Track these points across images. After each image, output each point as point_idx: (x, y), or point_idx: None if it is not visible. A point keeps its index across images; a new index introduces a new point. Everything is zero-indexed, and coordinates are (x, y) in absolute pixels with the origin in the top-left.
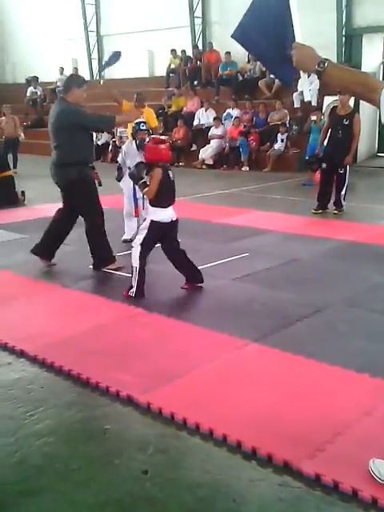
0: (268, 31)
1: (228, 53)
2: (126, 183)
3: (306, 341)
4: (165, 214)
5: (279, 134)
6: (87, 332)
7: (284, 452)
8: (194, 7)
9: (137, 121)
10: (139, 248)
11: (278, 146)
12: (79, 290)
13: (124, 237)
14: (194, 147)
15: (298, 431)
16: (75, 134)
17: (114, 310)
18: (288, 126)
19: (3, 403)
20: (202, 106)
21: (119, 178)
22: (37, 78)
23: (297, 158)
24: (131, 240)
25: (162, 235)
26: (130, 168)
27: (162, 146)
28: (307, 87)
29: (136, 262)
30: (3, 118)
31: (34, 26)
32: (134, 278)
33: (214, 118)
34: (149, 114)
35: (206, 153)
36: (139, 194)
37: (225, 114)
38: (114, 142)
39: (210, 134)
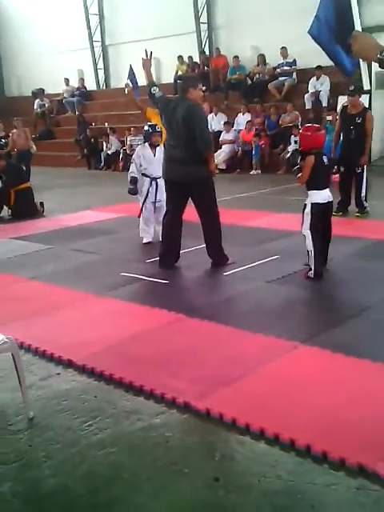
0: (332, 21)
1: (236, 57)
2: (144, 187)
3: (356, 341)
4: (321, 195)
5: (292, 136)
6: (131, 339)
7: (356, 455)
8: (200, 13)
9: (150, 124)
10: (310, 233)
11: (292, 147)
12: (114, 297)
13: (144, 240)
14: None
15: (366, 432)
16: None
17: (153, 317)
18: (300, 127)
19: (59, 414)
20: (211, 111)
21: (134, 192)
22: (43, 90)
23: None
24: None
25: (321, 215)
26: (147, 176)
27: (319, 133)
28: (366, 77)
29: (311, 247)
30: (14, 130)
31: (39, 38)
32: (312, 262)
33: (225, 123)
34: None
35: (219, 157)
36: (156, 197)
37: (236, 119)
38: (125, 150)
39: (221, 138)
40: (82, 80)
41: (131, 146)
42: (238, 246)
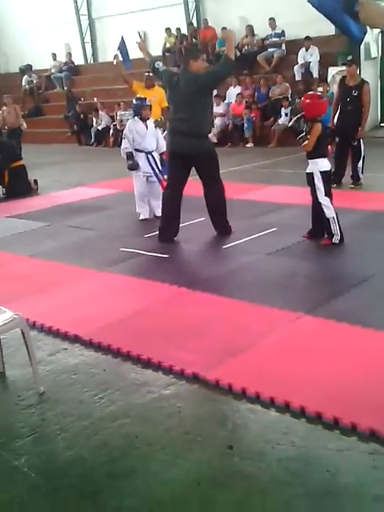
0: None
1: (224, 28)
2: (142, 163)
3: (359, 310)
4: (326, 162)
5: (283, 109)
6: (136, 314)
7: (367, 420)
8: None
9: (139, 97)
10: (327, 199)
11: (283, 120)
12: (115, 272)
13: (141, 217)
14: None
15: (376, 398)
16: (208, 102)
17: (156, 291)
18: (291, 99)
19: (70, 388)
20: None
21: (134, 167)
22: (31, 66)
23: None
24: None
25: (328, 182)
26: (141, 150)
27: (322, 101)
28: (374, 44)
29: (331, 213)
30: (4, 108)
31: (24, 14)
32: (335, 227)
33: (215, 96)
34: (160, 93)
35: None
36: (151, 173)
37: (228, 92)
38: (115, 125)
39: None
40: (69, 54)
41: (121, 120)
42: (234, 219)
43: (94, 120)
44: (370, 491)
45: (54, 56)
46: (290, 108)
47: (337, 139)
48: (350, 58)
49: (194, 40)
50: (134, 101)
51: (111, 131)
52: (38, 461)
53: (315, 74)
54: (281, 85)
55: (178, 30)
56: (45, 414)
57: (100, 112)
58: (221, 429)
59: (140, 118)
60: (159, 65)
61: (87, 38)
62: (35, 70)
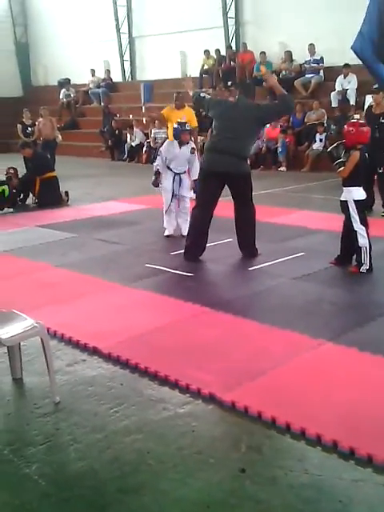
0: (375, 37)
1: (263, 53)
2: (167, 181)
3: (382, 340)
4: (361, 192)
5: (318, 134)
6: (156, 330)
7: None
8: (228, 7)
9: (180, 121)
10: (362, 227)
11: (317, 145)
12: (139, 288)
13: (166, 233)
14: None
15: None
16: (257, 132)
17: (178, 309)
18: (326, 125)
19: (86, 399)
20: None
21: (156, 184)
22: (69, 80)
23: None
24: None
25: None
26: (171, 169)
27: (364, 129)
28: None
29: (365, 242)
30: (41, 119)
31: (66, 28)
32: (365, 257)
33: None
34: (190, 113)
35: None
36: (179, 192)
37: None
38: (149, 143)
39: None
40: (107, 71)
41: (155, 138)
42: (262, 242)
43: (128, 136)
44: None
45: (93, 72)
46: (324, 134)
47: None
48: (376, 86)
49: (232, 63)
50: (175, 125)
51: (144, 148)
52: (50, 470)
53: (352, 101)
54: (317, 110)
55: (218, 51)
56: (59, 423)
57: (135, 129)
58: (234, 451)
59: (179, 142)
60: (204, 94)
61: (126, 56)
62: (73, 84)
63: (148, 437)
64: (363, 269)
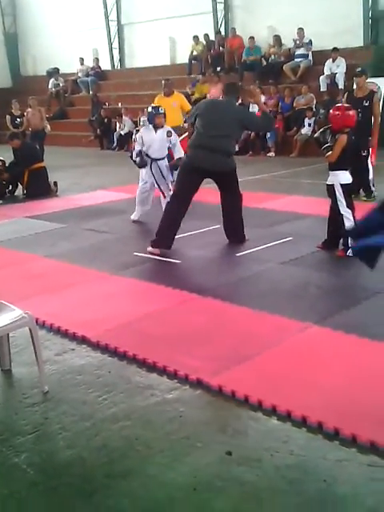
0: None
1: (252, 38)
2: (148, 171)
3: (368, 323)
4: (348, 176)
5: (306, 119)
6: (145, 317)
7: (368, 432)
8: None
9: (153, 105)
10: (349, 211)
11: (306, 130)
12: (127, 276)
13: (133, 217)
14: None
15: (378, 411)
16: (240, 134)
17: (166, 296)
18: (315, 110)
19: (74, 388)
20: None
21: (143, 164)
22: (58, 69)
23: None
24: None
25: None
26: (148, 156)
27: (350, 113)
28: None
29: (351, 226)
30: (29, 109)
31: (54, 18)
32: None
33: (239, 104)
34: (180, 98)
35: None
36: (161, 181)
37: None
38: (138, 131)
39: None
40: (96, 59)
41: (144, 126)
42: (250, 227)
43: (118, 125)
44: (365, 502)
45: (82, 60)
46: (313, 118)
47: None
48: (359, 69)
49: (221, 48)
50: (149, 108)
51: (133, 136)
52: (38, 458)
53: (341, 86)
54: (306, 95)
55: (206, 36)
56: (48, 412)
57: (124, 117)
58: (221, 435)
59: (154, 126)
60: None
61: (115, 44)
62: (62, 74)
63: (136, 423)
64: (350, 252)
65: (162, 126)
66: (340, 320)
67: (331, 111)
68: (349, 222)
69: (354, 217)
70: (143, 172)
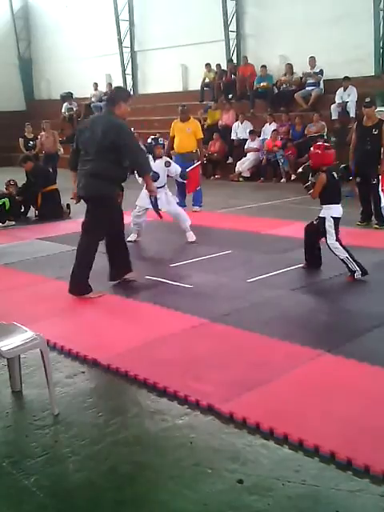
0: None
1: (264, 66)
2: (144, 197)
3: (380, 351)
4: (339, 209)
5: None
6: (155, 342)
7: (381, 462)
8: (229, 21)
9: (154, 137)
10: (338, 244)
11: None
12: (138, 300)
13: (130, 238)
14: (230, 160)
15: None
16: (112, 151)
17: (177, 320)
18: (326, 137)
19: (84, 412)
20: (237, 120)
21: (155, 178)
22: (71, 94)
23: (336, 169)
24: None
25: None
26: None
27: (329, 152)
28: None
29: (343, 253)
30: (43, 133)
31: (69, 43)
32: (352, 265)
33: (250, 132)
34: (195, 125)
35: (244, 165)
36: (161, 206)
37: (263, 129)
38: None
39: (246, 146)
40: (110, 85)
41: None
42: (262, 253)
43: None
44: None
45: (96, 85)
46: None
47: (358, 179)
48: (368, 99)
49: (233, 76)
50: (149, 139)
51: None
52: (48, 481)
53: (352, 114)
54: (317, 123)
55: (218, 65)
56: (58, 435)
57: None
58: (232, 462)
59: (153, 157)
60: None
61: (128, 70)
62: (76, 98)
63: (146, 448)
64: (357, 275)
65: (161, 157)
66: (352, 348)
67: (312, 148)
68: (339, 252)
69: (341, 245)
70: (141, 198)
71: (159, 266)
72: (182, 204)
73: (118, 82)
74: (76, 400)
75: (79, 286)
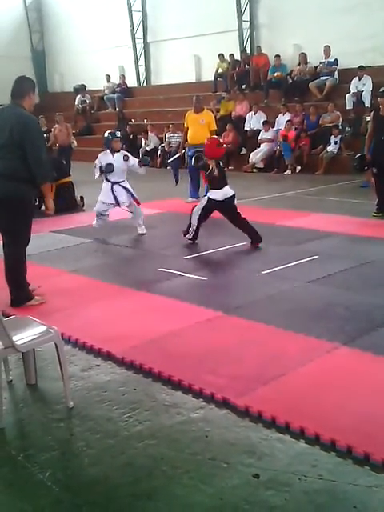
0: None
1: (278, 56)
2: (106, 193)
3: None
4: (218, 194)
5: (332, 137)
6: (170, 334)
7: None
8: (242, 11)
9: (110, 131)
10: (200, 212)
11: (332, 148)
12: (152, 292)
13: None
14: (244, 151)
15: None
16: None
17: (192, 313)
18: (341, 127)
19: (99, 405)
20: (250, 110)
21: (109, 170)
22: (84, 86)
23: (351, 159)
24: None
25: (219, 209)
26: (108, 180)
27: (220, 148)
28: None
29: (195, 221)
30: (56, 125)
31: (82, 35)
32: (193, 229)
33: (264, 122)
34: (208, 116)
35: (257, 156)
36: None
37: (277, 119)
38: (163, 147)
39: (259, 137)
40: (122, 77)
41: (169, 142)
42: (276, 245)
43: (143, 141)
44: None
45: (108, 77)
46: (339, 136)
47: (374, 170)
48: (382, 90)
49: (246, 66)
50: (106, 134)
51: (159, 152)
52: (63, 476)
53: (367, 104)
54: (332, 113)
55: (232, 55)
56: (73, 429)
57: (149, 133)
58: (248, 456)
59: (111, 150)
60: None
61: (141, 61)
62: (89, 91)
63: (161, 442)
64: (188, 236)
65: (119, 151)
66: (368, 341)
67: (207, 141)
68: (194, 219)
69: (199, 217)
70: (104, 193)
71: (173, 258)
72: (194, 196)
73: (131, 73)
74: (91, 393)
75: (25, 294)
